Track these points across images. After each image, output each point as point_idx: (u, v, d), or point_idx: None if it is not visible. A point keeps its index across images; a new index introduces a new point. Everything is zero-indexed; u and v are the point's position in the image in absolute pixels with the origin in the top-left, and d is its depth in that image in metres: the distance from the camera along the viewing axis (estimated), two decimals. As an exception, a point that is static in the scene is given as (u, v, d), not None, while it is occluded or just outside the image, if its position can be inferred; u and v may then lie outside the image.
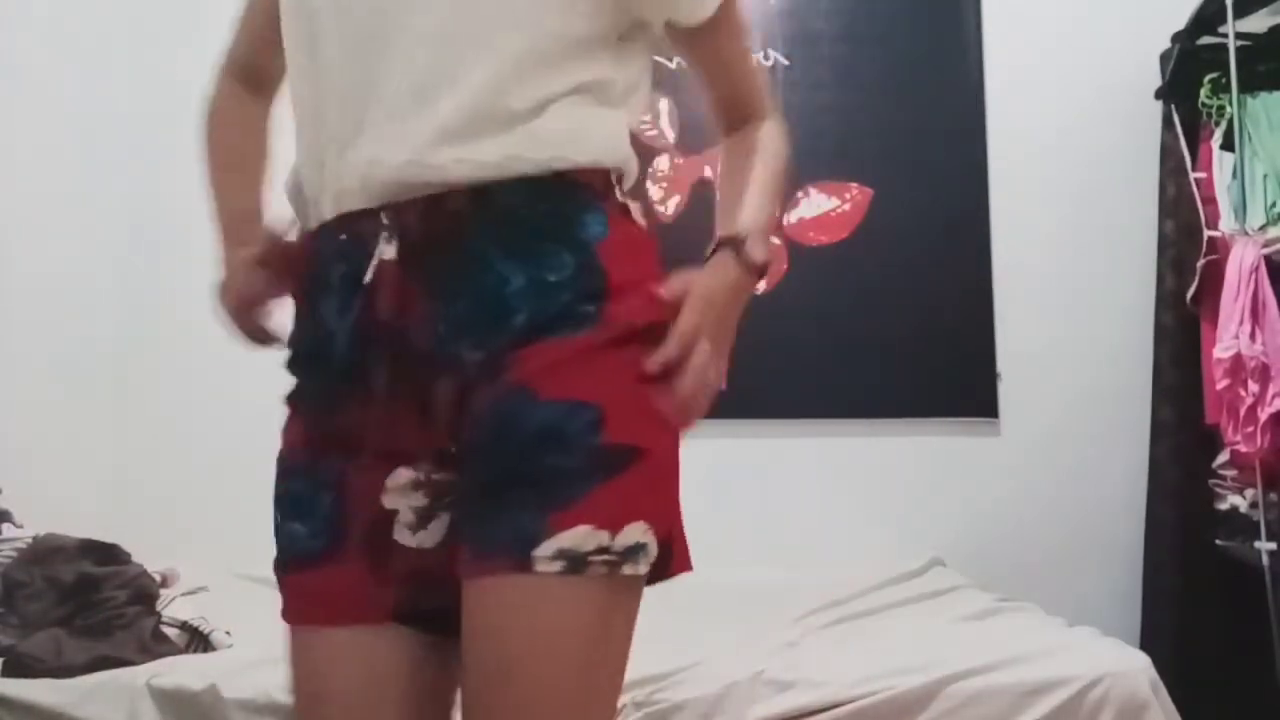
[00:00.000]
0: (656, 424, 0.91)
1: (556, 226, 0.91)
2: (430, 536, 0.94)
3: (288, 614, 0.96)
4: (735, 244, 0.99)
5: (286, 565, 0.96)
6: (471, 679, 0.87)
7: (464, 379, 0.89)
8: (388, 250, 0.90)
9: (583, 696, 0.87)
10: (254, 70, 1.14)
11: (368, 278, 0.90)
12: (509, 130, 0.90)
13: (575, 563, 0.84)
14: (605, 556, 0.85)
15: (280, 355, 1.00)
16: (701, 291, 0.95)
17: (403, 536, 0.94)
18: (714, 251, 1.00)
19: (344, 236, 0.93)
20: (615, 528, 0.85)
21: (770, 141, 1.10)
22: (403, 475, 0.93)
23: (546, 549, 0.83)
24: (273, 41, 1.04)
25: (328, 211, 0.94)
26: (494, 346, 0.88)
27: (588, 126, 0.94)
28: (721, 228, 1.03)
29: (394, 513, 0.94)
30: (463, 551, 0.88)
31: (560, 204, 0.92)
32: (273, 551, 0.98)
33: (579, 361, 0.88)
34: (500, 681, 0.85)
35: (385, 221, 0.90)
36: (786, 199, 2.82)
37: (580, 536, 0.84)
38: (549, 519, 0.84)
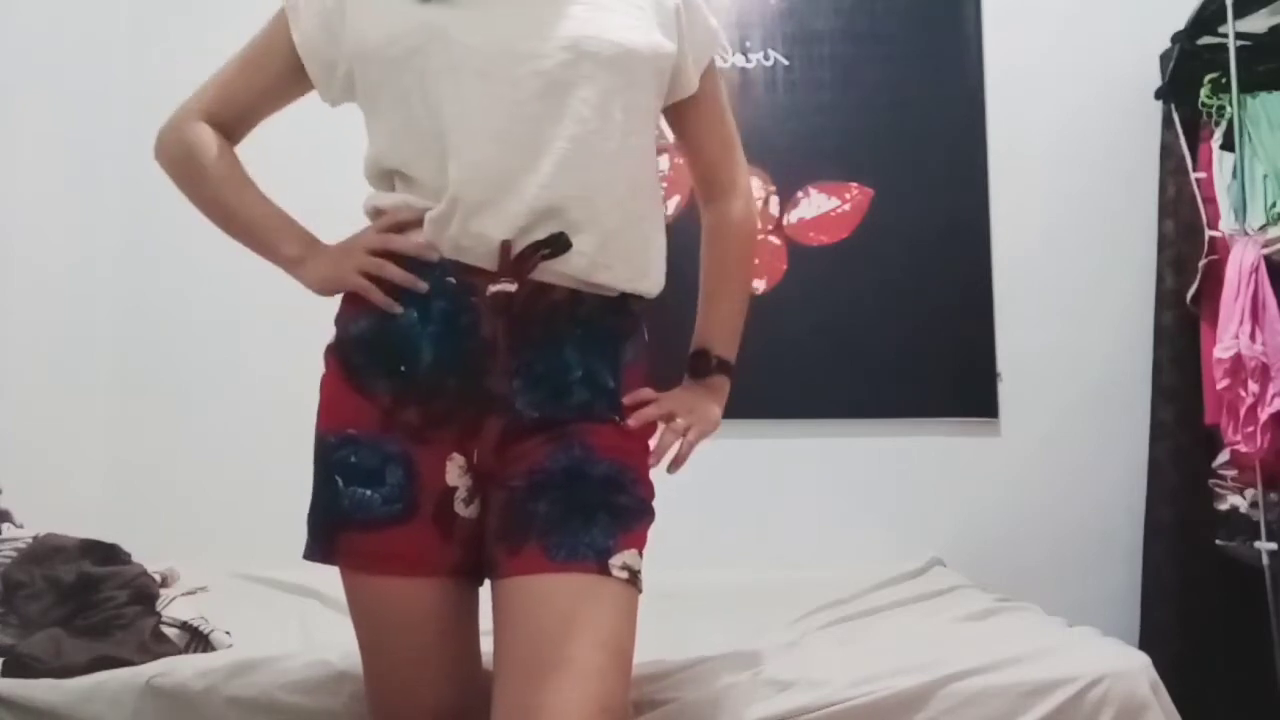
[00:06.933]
0: (652, 488, 1.26)
1: (610, 342, 1.25)
2: (475, 510, 1.23)
3: (353, 564, 1.23)
4: (708, 356, 1.39)
5: (351, 523, 1.21)
6: (532, 637, 1.10)
7: (515, 424, 1.20)
8: (491, 310, 1.18)
9: (621, 659, 1.15)
10: (231, 130, 1.34)
11: (485, 331, 1.18)
12: None
13: (633, 574, 1.17)
14: (636, 571, 1.18)
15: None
16: (672, 395, 1.34)
17: (459, 508, 1.23)
18: (694, 359, 1.40)
19: (452, 280, 1.19)
20: (640, 552, 1.19)
21: (743, 245, 1.44)
22: (458, 459, 1.22)
23: (616, 560, 1.15)
24: (262, 114, 1.33)
25: (444, 252, 1.19)
26: (550, 412, 1.20)
27: (655, 262, 1.29)
28: (702, 339, 1.42)
29: (454, 489, 1.22)
30: (535, 549, 1.14)
31: (619, 322, 1.26)
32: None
33: (617, 438, 1.23)
34: (565, 640, 1.09)
35: (499, 289, 1.17)
36: (786, 200, 2.83)
37: (633, 556, 1.17)
38: (620, 539, 1.17)
